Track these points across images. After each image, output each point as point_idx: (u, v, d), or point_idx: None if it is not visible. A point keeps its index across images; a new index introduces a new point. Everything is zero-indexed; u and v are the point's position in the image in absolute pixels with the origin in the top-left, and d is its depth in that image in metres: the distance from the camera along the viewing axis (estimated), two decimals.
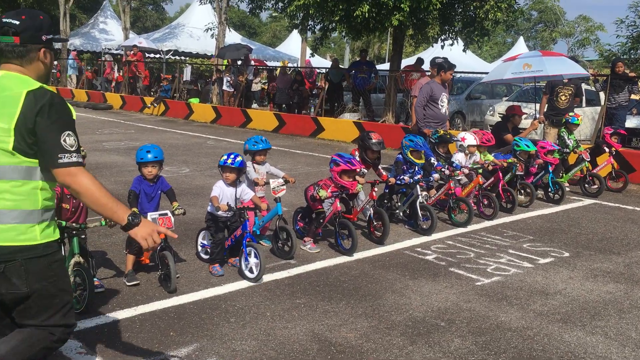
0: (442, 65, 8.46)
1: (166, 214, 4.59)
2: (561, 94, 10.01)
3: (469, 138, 7.61)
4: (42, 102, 2.44)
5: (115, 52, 28.42)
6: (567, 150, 9.20)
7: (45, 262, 2.51)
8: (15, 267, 2.43)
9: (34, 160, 2.46)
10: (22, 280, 2.44)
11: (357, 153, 6.49)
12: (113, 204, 2.54)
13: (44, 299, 2.53)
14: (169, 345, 3.69)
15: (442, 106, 8.42)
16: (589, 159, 9.17)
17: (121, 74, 23.65)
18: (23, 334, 2.56)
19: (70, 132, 2.47)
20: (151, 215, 4.54)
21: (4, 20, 2.56)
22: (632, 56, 24.25)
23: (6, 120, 2.42)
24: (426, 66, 14.03)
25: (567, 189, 8.99)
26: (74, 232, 4.26)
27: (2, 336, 2.57)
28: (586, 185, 9.12)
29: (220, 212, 4.97)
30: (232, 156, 5.06)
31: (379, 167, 6.50)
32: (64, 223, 4.20)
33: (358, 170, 5.85)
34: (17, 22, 2.54)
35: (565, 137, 9.26)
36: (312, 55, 21.75)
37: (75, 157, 2.47)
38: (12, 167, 2.44)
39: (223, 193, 5.03)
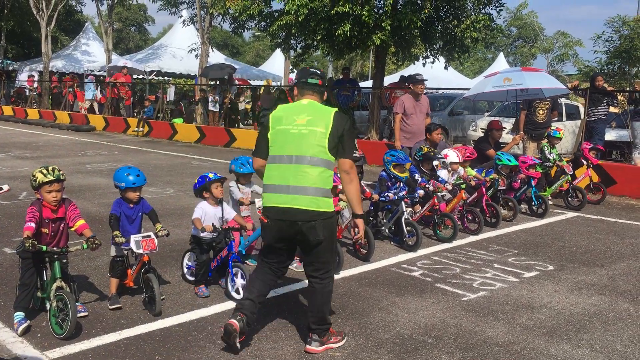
0: (429, 128, 8.61)
1: (149, 236, 4.55)
2: (539, 108, 10.17)
3: (452, 155, 7.69)
4: (346, 119, 4.00)
5: (97, 73, 28.34)
6: (549, 164, 9.31)
7: (331, 222, 3.96)
8: (319, 224, 3.85)
9: (332, 157, 3.91)
10: (322, 232, 3.86)
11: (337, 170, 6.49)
12: (360, 196, 4.15)
13: (328, 244, 3.96)
14: None
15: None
16: (571, 172, 9.29)
17: (104, 95, 23.58)
18: (319, 290, 4.02)
19: (355, 139, 3.98)
20: (134, 237, 4.50)
21: (312, 70, 4.22)
22: (610, 70, 24.71)
23: (324, 127, 3.87)
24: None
25: (550, 202, 9.08)
26: (55, 256, 4.21)
27: (276, 273, 4.14)
28: (569, 198, 9.23)
29: (204, 234, 4.95)
30: (200, 177, 5.08)
31: (362, 183, 6.52)
32: (44, 248, 4.15)
33: (340, 187, 5.85)
34: (319, 72, 4.20)
35: (546, 151, 9.38)
36: (292, 71, 21.84)
37: (357, 154, 4.21)
38: (322, 159, 3.87)
39: (206, 214, 5.01)
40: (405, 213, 6.55)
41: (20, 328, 4.11)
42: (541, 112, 10.17)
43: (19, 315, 4.22)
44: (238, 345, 3.84)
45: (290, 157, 3.84)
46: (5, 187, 5.42)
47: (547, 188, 9.35)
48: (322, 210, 3.82)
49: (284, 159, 3.86)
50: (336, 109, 4.04)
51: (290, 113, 3.98)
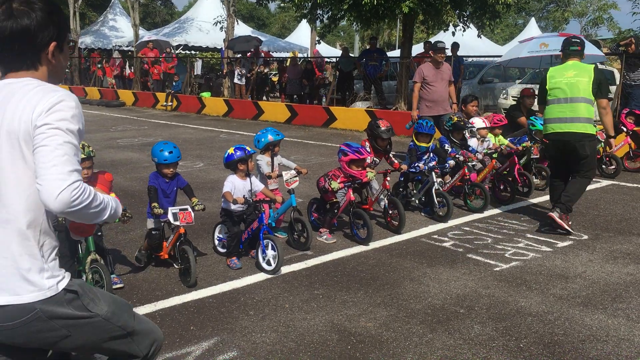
0: (465, 100, 8.74)
1: (186, 209, 4.61)
2: None
3: (478, 122, 7.56)
4: (602, 72, 5.78)
5: (125, 48, 28.50)
6: None
7: (594, 142, 5.81)
8: (586, 143, 5.67)
9: (593, 97, 5.70)
10: (588, 149, 5.68)
11: (367, 143, 6.45)
12: (613, 123, 6.09)
13: (592, 157, 5.79)
14: (189, 339, 3.72)
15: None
16: (604, 139, 9.04)
17: (132, 70, 23.75)
18: (579, 182, 5.86)
19: (608, 84, 5.86)
20: (172, 209, 4.57)
21: (573, 40, 6.01)
22: None
23: (587, 78, 5.68)
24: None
25: None
26: None
27: (563, 178, 6.04)
28: (603, 166, 9.01)
29: (235, 206, 4.98)
30: (239, 150, 5.05)
31: (391, 155, 6.47)
32: None
33: (368, 160, 5.83)
34: (578, 40, 5.89)
35: None
36: (319, 42, 21.60)
37: (383, 127, 6.15)
38: (587, 98, 5.69)
39: (235, 187, 5.03)
40: (435, 183, 6.48)
41: None
42: None
43: None
44: (568, 228, 5.85)
45: (566, 98, 5.75)
46: None
47: None
48: (589, 133, 5.67)
49: (561, 100, 5.78)
50: (594, 65, 5.84)
51: (561, 71, 5.91)
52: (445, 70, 9.03)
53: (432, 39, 21.90)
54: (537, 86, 12.64)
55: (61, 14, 1.97)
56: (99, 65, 26.12)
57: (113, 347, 2.06)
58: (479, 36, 17.75)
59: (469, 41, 20.67)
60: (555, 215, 5.84)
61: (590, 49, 9.70)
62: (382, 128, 6.29)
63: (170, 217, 4.55)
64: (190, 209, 4.64)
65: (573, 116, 5.72)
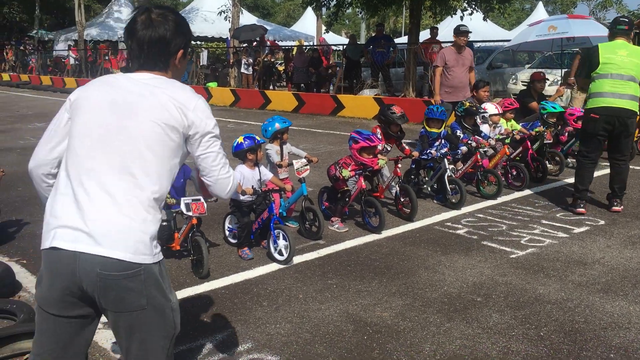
0: (477, 85, 8.59)
1: (199, 200, 4.55)
2: None
3: (490, 108, 7.45)
4: None
5: None
6: None
7: (637, 122, 6.09)
8: (634, 119, 5.89)
9: None
10: (634, 127, 5.98)
11: (378, 130, 6.35)
12: None
13: (632, 137, 6.26)
14: (203, 331, 3.67)
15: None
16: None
17: None
18: (623, 169, 6.12)
19: None
20: (184, 200, 4.52)
21: (620, 19, 6.10)
22: None
23: (638, 59, 5.85)
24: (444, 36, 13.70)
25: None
26: None
27: (595, 161, 6.19)
28: None
29: (244, 197, 4.91)
30: (248, 139, 4.98)
31: (402, 141, 6.37)
32: None
33: (379, 147, 5.74)
34: (627, 20, 6.07)
35: None
36: (327, 31, 21.43)
37: (397, 113, 6.16)
38: (636, 77, 5.83)
39: (244, 177, 4.96)
40: (447, 170, 6.38)
41: None
42: None
43: None
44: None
45: (620, 75, 5.85)
46: None
47: None
48: (636, 110, 5.87)
49: (615, 75, 5.86)
50: None
51: (613, 48, 5.98)
52: (467, 56, 8.88)
53: (439, 25, 21.67)
54: (547, 70, 12.54)
55: (187, 25, 2.24)
56: (106, 58, 26.04)
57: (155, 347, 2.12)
58: (484, 19, 17.50)
59: (475, 25, 20.44)
60: (618, 207, 6.15)
61: (600, 30, 9.53)
62: (397, 114, 6.19)
63: (182, 207, 4.50)
64: (202, 200, 4.58)
65: (625, 92, 5.85)
